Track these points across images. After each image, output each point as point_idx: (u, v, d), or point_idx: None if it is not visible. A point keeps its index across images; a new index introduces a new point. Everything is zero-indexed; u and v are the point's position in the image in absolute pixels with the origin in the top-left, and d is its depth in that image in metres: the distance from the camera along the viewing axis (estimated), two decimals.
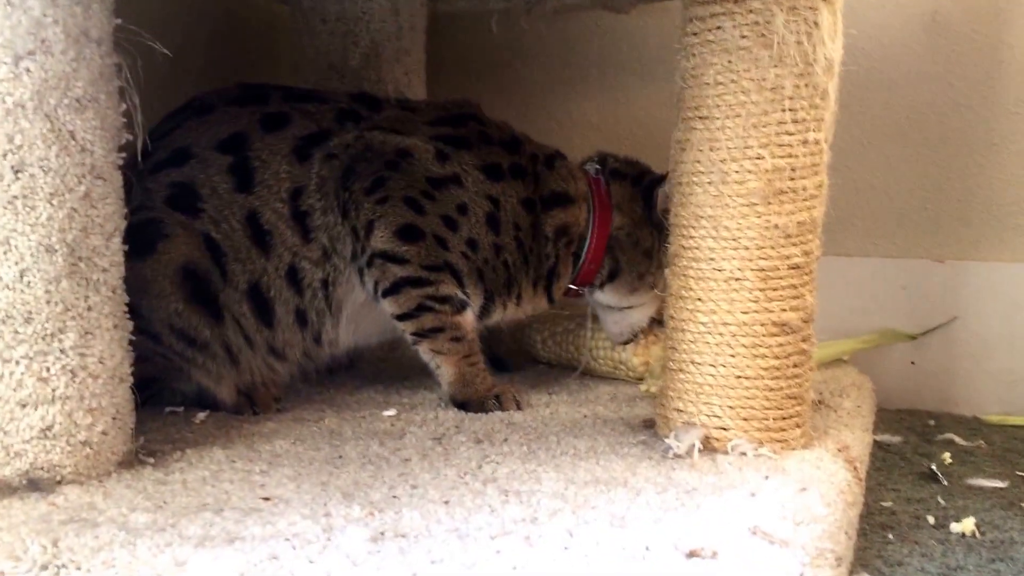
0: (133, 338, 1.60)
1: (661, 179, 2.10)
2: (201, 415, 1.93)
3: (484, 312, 2.12)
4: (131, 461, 1.60)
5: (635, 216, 2.16)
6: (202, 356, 1.96)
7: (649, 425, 1.86)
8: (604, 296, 2.23)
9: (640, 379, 2.26)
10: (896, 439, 2.18)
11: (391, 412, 1.98)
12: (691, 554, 1.24)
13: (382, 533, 1.32)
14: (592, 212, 2.14)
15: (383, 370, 2.32)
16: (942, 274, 2.49)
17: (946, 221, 2.52)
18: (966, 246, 2.51)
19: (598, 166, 2.21)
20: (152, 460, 1.63)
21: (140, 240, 1.75)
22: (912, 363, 2.52)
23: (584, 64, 2.81)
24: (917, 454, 2.09)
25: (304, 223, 1.95)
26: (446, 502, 1.45)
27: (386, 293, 1.98)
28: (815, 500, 1.44)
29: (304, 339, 2.04)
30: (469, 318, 2.03)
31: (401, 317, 2.00)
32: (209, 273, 1.93)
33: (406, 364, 2.34)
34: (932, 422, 2.35)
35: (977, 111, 2.48)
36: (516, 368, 2.39)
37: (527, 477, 1.56)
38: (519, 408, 2.01)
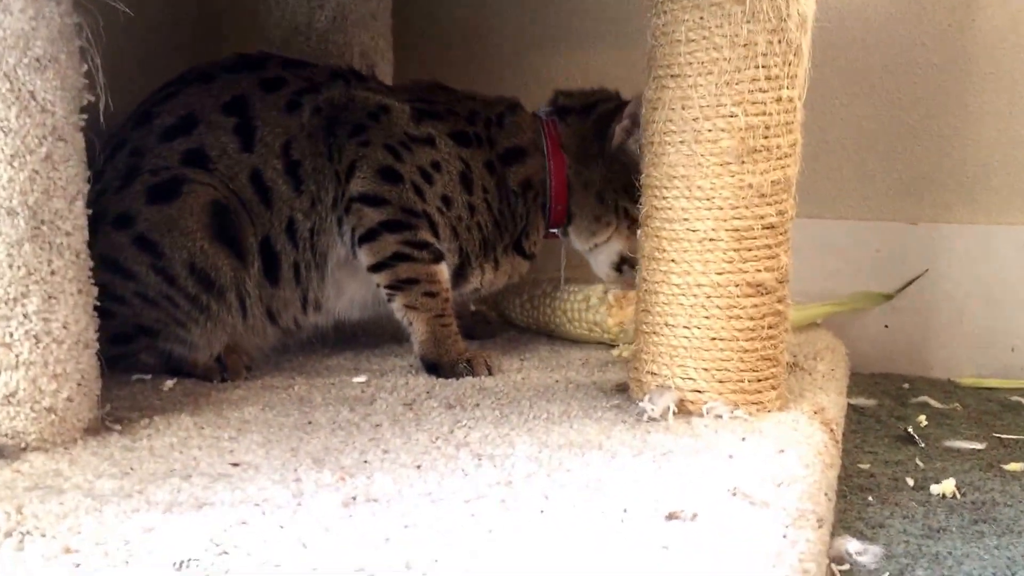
0: (137, 286, 1.79)
1: (617, 109, 2.11)
2: (169, 382, 1.90)
3: (460, 275, 2.11)
4: (97, 428, 1.57)
5: (583, 154, 2.15)
6: (216, 303, 1.95)
7: (622, 389, 1.84)
8: (571, 240, 2.23)
9: (615, 341, 2.24)
10: (871, 402, 2.17)
11: (361, 379, 1.96)
12: (670, 516, 1.23)
13: (353, 498, 1.30)
14: (548, 157, 2.14)
15: (354, 338, 2.29)
16: (915, 236, 2.48)
17: (919, 183, 2.50)
18: (939, 208, 2.50)
19: (549, 107, 2.20)
20: (119, 427, 1.60)
21: (165, 190, 1.93)
22: (886, 327, 2.51)
23: (551, 26, 2.77)
24: (892, 417, 2.08)
25: (296, 174, 1.99)
26: (418, 466, 1.43)
27: (363, 240, 1.98)
28: (793, 461, 1.43)
29: (297, 300, 2.06)
30: (444, 272, 2.04)
31: (376, 267, 2.00)
32: (237, 214, 1.96)
33: (376, 332, 2.32)
34: (906, 385, 2.34)
35: (949, 71, 2.46)
36: (487, 336, 2.36)
37: (500, 441, 1.55)
38: (490, 373, 1.99)
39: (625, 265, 2.18)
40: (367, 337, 2.32)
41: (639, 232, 1.75)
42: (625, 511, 1.25)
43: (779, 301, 1.68)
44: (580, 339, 2.31)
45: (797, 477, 1.37)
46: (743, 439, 1.53)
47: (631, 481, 1.36)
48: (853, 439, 1.93)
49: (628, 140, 2.07)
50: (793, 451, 1.48)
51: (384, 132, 2.01)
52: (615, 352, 2.17)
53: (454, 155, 2.06)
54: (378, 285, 2.04)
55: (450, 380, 1.95)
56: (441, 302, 2.03)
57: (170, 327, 1.94)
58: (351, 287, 2.09)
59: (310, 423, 1.66)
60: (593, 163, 2.14)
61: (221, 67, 2.08)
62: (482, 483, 1.36)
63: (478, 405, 1.76)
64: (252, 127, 1.99)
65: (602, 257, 2.22)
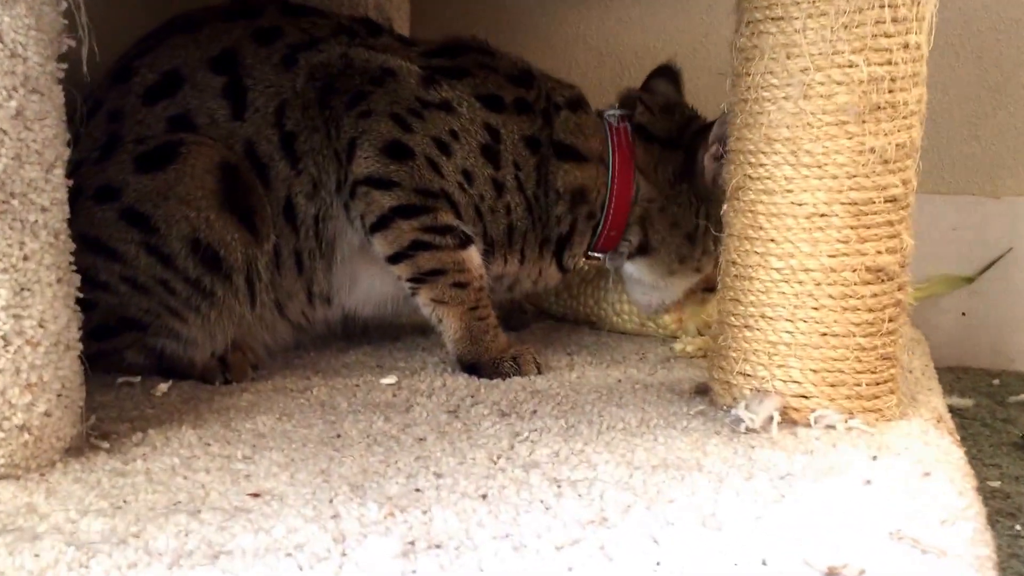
0: (124, 268, 1.56)
1: (704, 130, 1.79)
2: (163, 386, 1.62)
3: (485, 261, 1.81)
4: (81, 447, 1.29)
5: (668, 186, 1.85)
6: (221, 288, 1.67)
7: (703, 391, 1.57)
8: (633, 269, 1.92)
9: (672, 336, 1.98)
10: (967, 402, 1.91)
11: (390, 379, 1.68)
12: (830, 573, 0.95)
13: (411, 543, 1.03)
14: (612, 171, 1.83)
15: (371, 329, 2.00)
16: (998, 211, 2.21)
17: (1002, 152, 2.23)
18: None
19: (621, 111, 1.90)
20: (107, 445, 1.32)
21: (159, 156, 1.66)
22: (963, 314, 2.24)
23: None
24: (997, 419, 1.82)
25: (292, 149, 1.72)
26: (483, 496, 1.16)
27: (375, 228, 1.72)
28: (945, 488, 1.18)
29: (301, 291, 1.79)
30: (475, 257, 1.76)
31: (394, 258, 1.73)
32: (252, 178, 1.70)
33: (397, 324, 2.04)
34: (996, 382, 2.08)
35: None
36: (521, 326, 2.08)
37: (576, 460, 1.28)
38: (539, 372, 1.72)
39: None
40: (386, 327, 2.02)
41: (725, 207, 1.49)
42: (764, 563, 0.98)
43: (899, 289, 1.42)
44: (627, 332, 2.04)
45: (957, 511, 1.11)
46: (874, 457, 1.27)
47: (754, 517, 1.10)
48: (968, 449, 1.65)
49: (720, 168, 1.76)
50: (940, 474, 1.22)
51: (389, 99, 1.73)
52: (677, 347, 1.89)
53: (478, 121, 1.76)
54: (399, 278, 1.76)
55: (494, 380, 1.68)
56: (474, 292, 1.75)
57: (163, 318, 1.68)
58: (366, 277, 1.82)
59: (339, 436, 1.38)
60: (683, 199, 1.85)
61: (213, 13, 1.80)
62: (571, 520, 1.09)
63: (535, 412, 1.49)
64: (242, 87, 1.72)
65: (669, 292, 1.93)
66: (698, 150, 1.79)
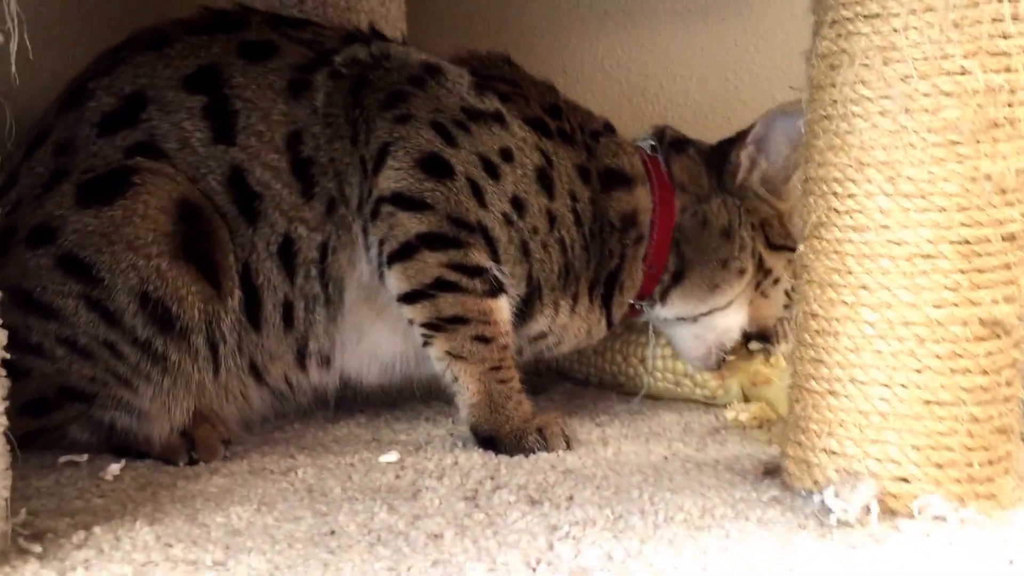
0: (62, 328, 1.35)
1: (737, 139, 1.67)
2: (115, 467, 1.37)
3: (526, 310, 1.57)
4: (5, 552, 1.03)
5: (701, 191, 1.68)
6: (176, 351, 1.43)
7: (772, 472, 1.32)
8: (670, 309, 1.69)
9: (711, 399, 1.75)
10: None
11: (391, 457, 1.42)
12: None
13: None
14: (653, 196, 1.66)
15: (358, 397, 1.73)
16: None
17: None
18: None
19: (653, 142, 1.72)
20: (39, 548, 1.05)
21: (104, 186, 1.43)
22: None
23: None
24: None
25: (306, 174, 1.50)
26: None
27: (394, 258, 1.48)
28: None
29: (289, 351, 1.53)
30: (504, 309, 1.53)
31: (411, 296, 1.49)
32: (211, 220, 1.47)
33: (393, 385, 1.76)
34: None
35: None
36: (538, 391, 1.81)
37: (635, 565, 1.02)
38: (568, 447, 1.47)
39: (750, 343, 1.70)
40: (374, 395, 1.76)
41: (802, 248, 1.25)
42: None
43: (1016, 345, 1.19)
44: (661, 395, 1.80)
45: None
46: (1011, 562, 1.01)
47: None
48: None
49: (752, 174, 1.67)
50: None
51: (431, 103, 1.52)
52: (729, 415, 1.64)
53: (531, 143, 1.55)
54: (410, 322, 1.51)
55: (516, 457, 1.43)
56: (498, 350, 1.51)
57: (110, 388, 1.44)
58: (374, 330, 1.57)
59: (333, 532, 1.12)
60: (713, 197, 1.68)
61: (183, 26, 1.58)
62: None
63: (572, 499, 1.23)
64: (230, 109, 1.50)
65: (720, 324, 1.69)
66: (732, 150, 1.67)
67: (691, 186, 1.67)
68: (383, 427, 1.61)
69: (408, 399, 1.75)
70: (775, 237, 1.65)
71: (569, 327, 1.63)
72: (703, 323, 1.68)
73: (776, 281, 1.66)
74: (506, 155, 1.51)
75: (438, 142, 1.48)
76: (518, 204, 1.51)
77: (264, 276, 1.49)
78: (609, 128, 1.70)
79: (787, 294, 1.66)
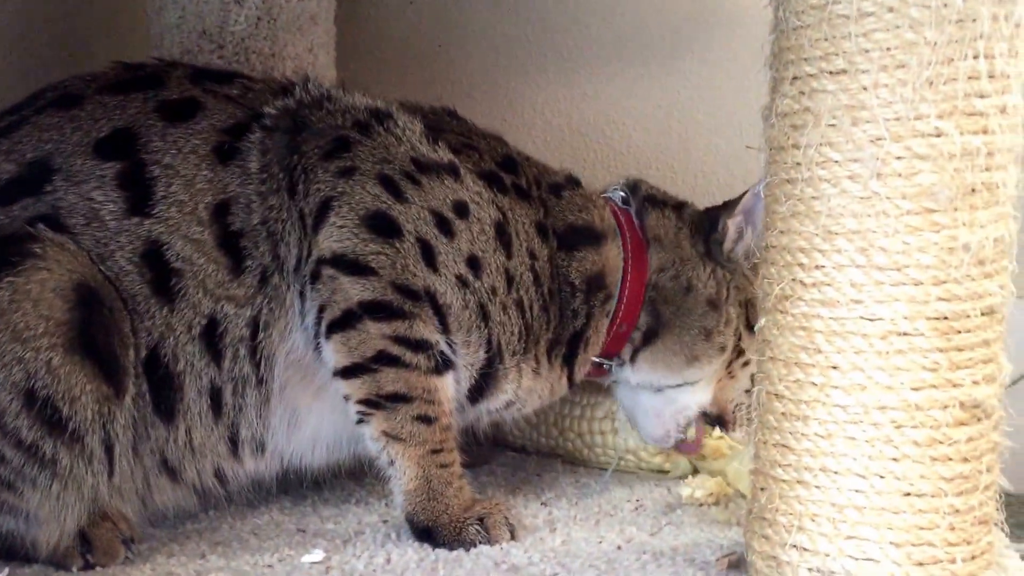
0: None
1: (725, 207, 1.60)
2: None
3: (486, 382, 1.47)
4: None
5: (681, 251, 1.59)
6: (67, 454, 1.30)
7: (735, 566, 1.24)
8: (638, 373, 1.59)
9: (657, 472, 1.66)
10: None
11: (316, 556, 1.30)
12: None
13: None
14: (624, 253, 1.57)
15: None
16: None
17: None
18: None
19: (624, 193, 1.65)
20: None
21: None
22: None
23: (538, 43, 2.23)
24: None
25: (235, 247, 1.39)
26: None
27: (334, 327, 1.38)
28: None
29: (220, 441, 1.41)
30: (449, 387, 1.43)
31: (349, 371, 1.39)
32: (112, 309, 1.35)
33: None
34: None
35: None
36: (479, 463, 1.70)
37: None
38: (513, 537, 1.36)
39: (697, 424, 1.60)
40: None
41: (764, 322, 1.18)
42: None
43: (995, 429, 1.12)
44: (604, 468, 1.71)
45: None
46: None
47: None
48: None
49: (738, 245, 1.58)
50: None
51: (379, 152, 1.42)
52: (685, 493, 1.53)
53: (486, 198, 1.45)
54: (346, 398, 1.39)
55: (455, 552, 1.32)
56: (440, 431, 1.40)
57: None
58: (314, 415, 1.46)
59: None
60: (699, 263, 1.58)
61: (95, 82, 1.47)
62: None
63: None
64: (147, 177, 1.39)
65: (684, 399, 1.59)
66: (721, 215, 1.58)
67: (668, 242, 1.58)
68: (309, 514, 1.48)
69: (339, 476, 1.62)
70: (755, 319, 1.56)
71: (534, 389, 1.53)
72: (667, 395, 1.58)
73: (746, 364, 1.57)
74: (461, 210, 1.42)
75: (385, 198, 1.39)
76: (474, 263, 1.42)
77: (185, 362, 1.37)
78: (572, 181, 1.62)
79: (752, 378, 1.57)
